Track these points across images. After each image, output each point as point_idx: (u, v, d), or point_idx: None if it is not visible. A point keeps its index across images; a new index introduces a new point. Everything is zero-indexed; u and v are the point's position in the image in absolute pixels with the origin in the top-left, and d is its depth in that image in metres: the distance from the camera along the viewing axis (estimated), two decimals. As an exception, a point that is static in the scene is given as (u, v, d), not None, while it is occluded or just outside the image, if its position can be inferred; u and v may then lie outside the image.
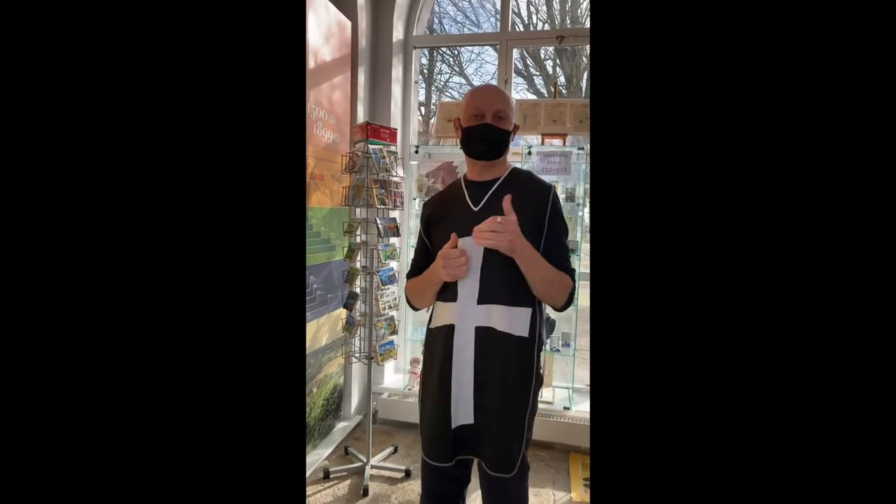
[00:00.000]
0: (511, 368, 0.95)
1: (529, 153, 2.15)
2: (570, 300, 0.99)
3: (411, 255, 2.20)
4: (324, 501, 1.72)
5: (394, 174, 1.84)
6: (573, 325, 2.14)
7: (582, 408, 2.18)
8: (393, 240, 1.92)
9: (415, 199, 2.29)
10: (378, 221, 1.79)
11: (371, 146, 1.82)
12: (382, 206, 1.81)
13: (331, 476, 1.85)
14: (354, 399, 2.32)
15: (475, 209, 0.99)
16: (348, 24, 2.09)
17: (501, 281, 0.94)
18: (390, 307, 1.87)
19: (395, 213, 1.96)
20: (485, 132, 0.96)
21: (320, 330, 1.97)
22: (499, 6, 2.38)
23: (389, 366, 2.45)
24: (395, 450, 2.07)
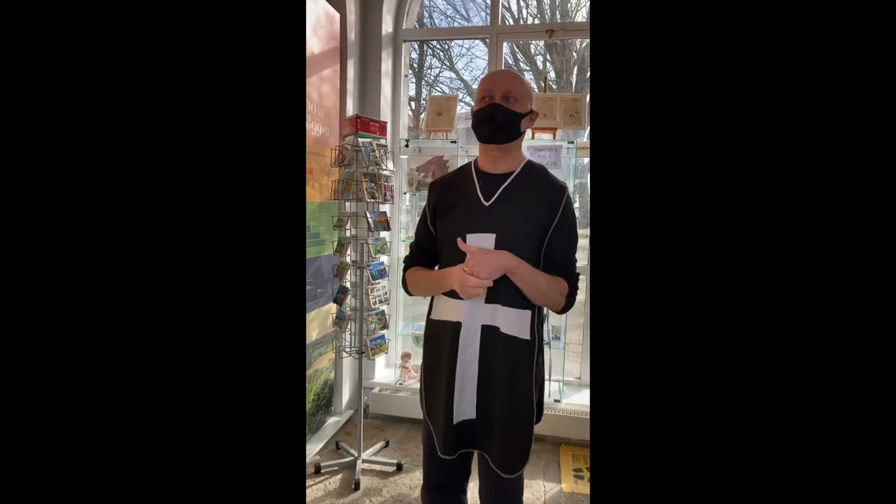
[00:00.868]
0: (514, 370, 0.95)
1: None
2: (569, 303, 0.99)
3: (402, 249, 2.15)
4: (315, 496, 1.72)
5: (384, 168, 1.83)
6: (563, 319, 2.15)
7: (572, 400, 2.20)
8: (383, 234, 1.92)
9: (405, 193, 2.28)
10: (368, 215, 1.78)
11: (360, 139, 1.81)
12: (372, 200, 1.80)
13: (322, 471, 1.87)
14: (346, 394, 2.32)
15: (486, 204, 0.96)
16: (337, 16, 2.07)
17: (508, 281, 0.93)
18: (381, 301, 1.86)
19: (385, 207, 1.95)
20: (492, 112, 0.94)
21: (310, 325, 1.97)
22: (489, 0, 2.37)
23: (380, 360, 2.45)
24: (387, 444, 2.08)
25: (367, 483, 1.81)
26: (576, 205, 2.28)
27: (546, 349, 2.09)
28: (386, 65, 2.37)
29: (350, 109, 2.22)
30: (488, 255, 0.91)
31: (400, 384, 2.32)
